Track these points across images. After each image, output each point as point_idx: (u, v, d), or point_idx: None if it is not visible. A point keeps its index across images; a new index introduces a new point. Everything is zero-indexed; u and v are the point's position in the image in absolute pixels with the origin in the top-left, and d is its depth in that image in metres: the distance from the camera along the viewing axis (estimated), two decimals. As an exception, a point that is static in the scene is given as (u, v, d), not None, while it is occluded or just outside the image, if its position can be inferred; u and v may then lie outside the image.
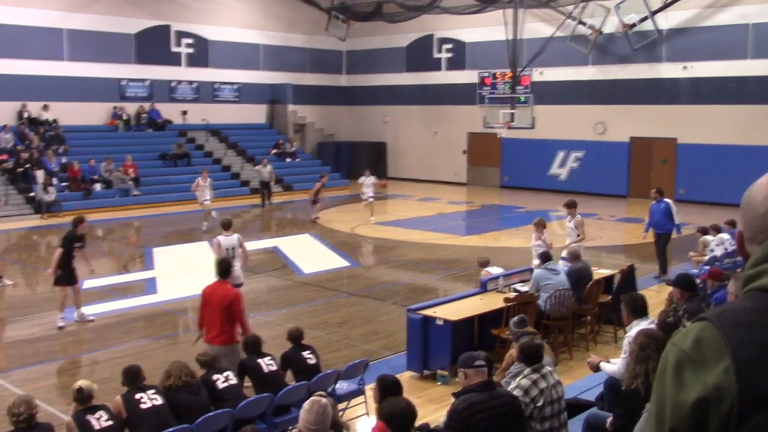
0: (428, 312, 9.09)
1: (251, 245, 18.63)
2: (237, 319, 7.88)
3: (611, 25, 26.55)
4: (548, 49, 26.75)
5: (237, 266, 10.42)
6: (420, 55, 33.50)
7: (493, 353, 8.62)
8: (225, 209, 24.17)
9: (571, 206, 13.16)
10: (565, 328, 9.85)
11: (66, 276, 11.13)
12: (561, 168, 29.33)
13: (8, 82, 25.65)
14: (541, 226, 12.27)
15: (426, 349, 8.96)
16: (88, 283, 13.39)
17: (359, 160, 34.73)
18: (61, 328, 10.91)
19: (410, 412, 4.75)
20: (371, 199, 21.27)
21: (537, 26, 27.76)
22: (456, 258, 16.59)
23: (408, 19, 30.04)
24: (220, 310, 7.77)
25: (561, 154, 29.20)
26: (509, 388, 5.63)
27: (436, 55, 32.99)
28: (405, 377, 8.66)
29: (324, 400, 4.84)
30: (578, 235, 12.71)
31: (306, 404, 4.80)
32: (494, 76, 30.50)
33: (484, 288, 10.12)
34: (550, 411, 5.51)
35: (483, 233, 20.53)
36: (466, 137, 32.33)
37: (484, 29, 29.57)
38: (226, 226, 10.64)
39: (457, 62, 32.21)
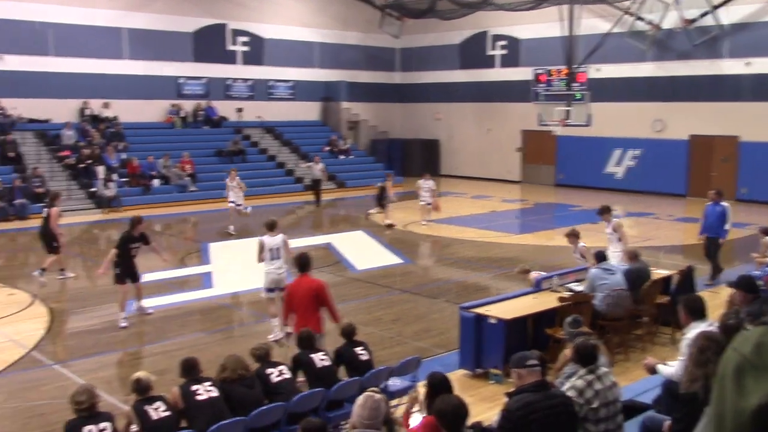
0: (481, 310, 9.04)
1: (305, 242, 18.84)
2: (327, 307, 8.30)
3: (671, 21, 25.99)
4: (605, 45, 26.34)
5: (283, 268, 10.42)
6: (474, 52, 33.31)
7: (547, 353, 8.53)
8: (279, 206, 24.45)
9: (603, 212, 12.49)
10: (620, 329, 9.69)
11: (125, 274, 11.23)
12: (617, 166, 28.84)
13: (71, 81, 26.39)
14: (573, 236, 11.72)
15: (479, 348, 8.91)
16: (147, 277, 13.70)
17: (412, 157, 34.78)
18: (123, 327, 10.98)
19: (462, 409, 4.73)
20: (429, 205, 20.50)
21: (593, 22, 27.34)
22: (509, 256, 16.47)
23: (462, 16, 29.89)
24: (308, 300, 8.16)
25: (617, 152, 28.71)
26: (563, 389, 5.56)
27: (490, 52, 32.75)
28: (457, 375, 8.65)
29: (377, 395, 4.85)
30: (619, 240, 12.13)
31: (359, 399, 4.82)
32: (549, 73, 30.08)
33: (538, 287, 10.03)
34: (606, 413, 5.43)
35: (536, 231, 20.33)
36: (520, 135, 32.04)
37: (539, 26, 29.23)
38: (271, 227, 10.56)
39: (511, 59, 31.93)
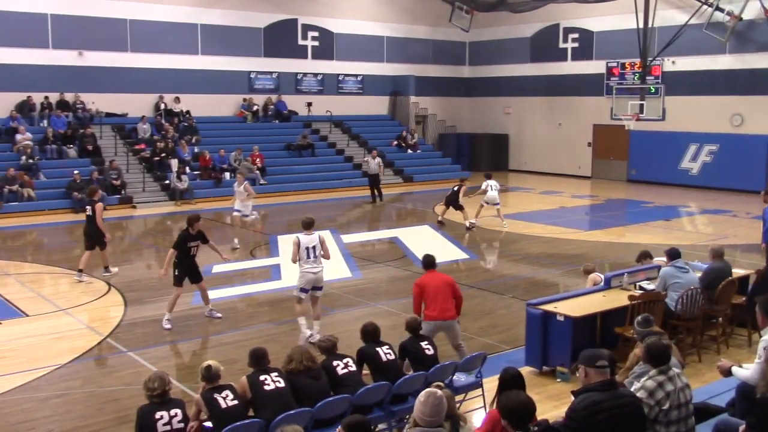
0: (549, 307, 8.92)
1: (371, 236, 18.94)
2: (458, 298, 8.65)
3: (752, 11, 25.08)
4: (681, 37, 25.59)
5: (318, 267, 10.12)
6: (545, 45, 32.82)
7: (616, 352, 8.37)
8: (346, 200, 24.61)
9: (642, 258, 10.81)
10: (694, 329, 9.42)
11: (184, 274, 10.93)
12: (693, 162, 28.01)
13: (147, 76, 27.13)
14: (587, 273, 10.75)
15: (545, 345, 8.80)
16: (217, 268, 14.00)
17: (480, 152, 34.54)
18: (168, 329, 10.71)
19: (529, 406, 4.66)
20: (498, 205, 19.48)
21: (670, 13, 26.60)
22: (578, 253, 16.18)
23: (533, 9, 29.48)
24: (445, 288, 8.53)
25: (693, 147, 27.86)
26: (632, 389, 5.44)
27: (562, 45, 32.21)
28: (523, 372, 8.52)
29: (439, 392, 4.81)
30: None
31: (421, 395, 4.80)
32: (623, 66, 29.47)
33: (607, 285, 9.83)
34: (677, 415, 5.29)
35: (607, 228, 19.92)
36: (591, 129, 31.43)
37: (613, 17, 28.59)
38: (307, 226, 10.22)
39: (583, 52, 31.32)
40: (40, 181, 22.83)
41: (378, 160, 24.56)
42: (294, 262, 10.23)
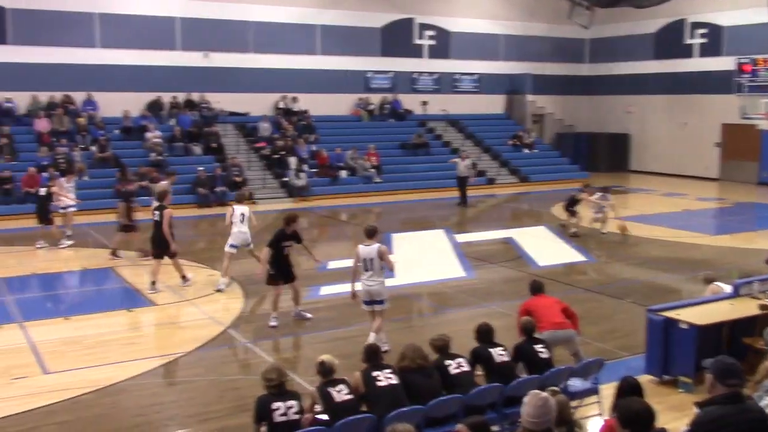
0: (671, 314, 8.56)
1: (485, 235, 18.78)
2: (572, 316, 8.53)
3: None
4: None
5: (376, 281, 9.51)
6: (669, 41, 31.54)
7: (744, 363, 7.94)
8: (459, 199, 24.47)
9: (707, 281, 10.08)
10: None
11: (279, 274, 10.80)
12: (832, 164, 26.24)
13: (268, 76, 27.97)
14: (708, 282, 9.96)
15: (667, 353, 8.45)
16: (332, 264, 14.25)
17: (599, 152, 33.63)
18: (273, 327, 10.72)
19: (648, 415, 4.49)
20: (599, 215, 18.20)
21: (809, 6, 25.01)
22: (704, 258, 15.48)
23: (658, 3, 28.35)
24: (555, 305, 8.48)
25: (833, 149, 26.11)
26: (761, 404, 5.15)
27: (688, 41, 30.88)
28: (643, 381, 8.22)
29: (544, 393, 4.71)
30: None
31: (526, 397, 4.71)
32: (755, 63, 27.90)
33: (736, 293, 9.34)
34: (812, 433, 4.96)
35: (735, 233, 18.95)
36: (720, 129, 29.96)
37: (745, 11, 27.17)
38: (370, 234, 9.62)
39: (711, 48, 29.90)
40: (168, 177, 23.97)
41: (467, 162, 23.84)
42: (354, 273, 9.73)
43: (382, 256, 9.44)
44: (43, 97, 24.83)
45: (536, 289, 8.80)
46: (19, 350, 9.69)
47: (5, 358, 9.42)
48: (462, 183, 23.48)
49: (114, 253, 15.30)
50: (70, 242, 16.58)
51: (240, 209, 13.25)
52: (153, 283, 12.67)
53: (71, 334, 10.35)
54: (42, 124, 23.83)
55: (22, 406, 7.37)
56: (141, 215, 15.52)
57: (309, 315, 11.25)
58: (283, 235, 10.75)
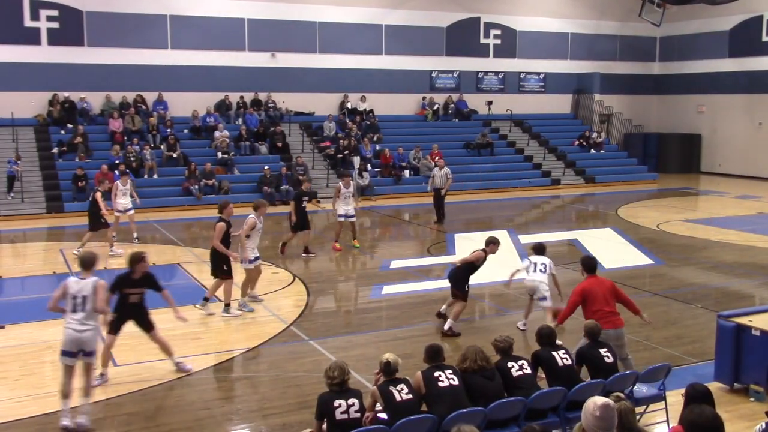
0: (743, 320, 8.29)
1: (550, 237, 18.53)
2: (625, 301, 8.40)
3: None
4: None
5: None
6: (745, 39, 30.55)
7: (821, 373, 7.64)
8: (524, 200, 24.22)
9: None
10: None
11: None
12: None
13: (333, 76, 28.22)
14: None
15: (738, 361, 8.19)
16: (395, 264, 14.27)
17: (669, 152, 32.83)
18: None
19: (716, 423, 4.36)
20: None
21: None
22: (778, 263, 14.94)
23: (733, 0, 27.54)
24: (608, 295, 8.23)
25: None
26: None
27: (766, 38, 29.84)
28: (712, 388, 7.99)
29: (604, 399, 4.60)
30: None
31: (586, 403, 4.60)
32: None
33: (812, 299, 8.99)
34: None
35: (813, 237, 18.23)
36: (797, 129, 28.92)
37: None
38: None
39: (790, 45, 28.87)
40: (234, 176, 24.40)
41: (445, 170, 19.82)
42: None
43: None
44: (116, 97, 25.60)
45: (591, 268, 8.64)
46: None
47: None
48: (438, 196, 19.91)
49: (306, 251, 15.51)
50: (120, 251, 15.38)
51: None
52: (205, 299, 11.55)
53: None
54: (115, 124, 24.56)
55: (91, 397, 7.59)
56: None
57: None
58: (128, 281, 8.54)
